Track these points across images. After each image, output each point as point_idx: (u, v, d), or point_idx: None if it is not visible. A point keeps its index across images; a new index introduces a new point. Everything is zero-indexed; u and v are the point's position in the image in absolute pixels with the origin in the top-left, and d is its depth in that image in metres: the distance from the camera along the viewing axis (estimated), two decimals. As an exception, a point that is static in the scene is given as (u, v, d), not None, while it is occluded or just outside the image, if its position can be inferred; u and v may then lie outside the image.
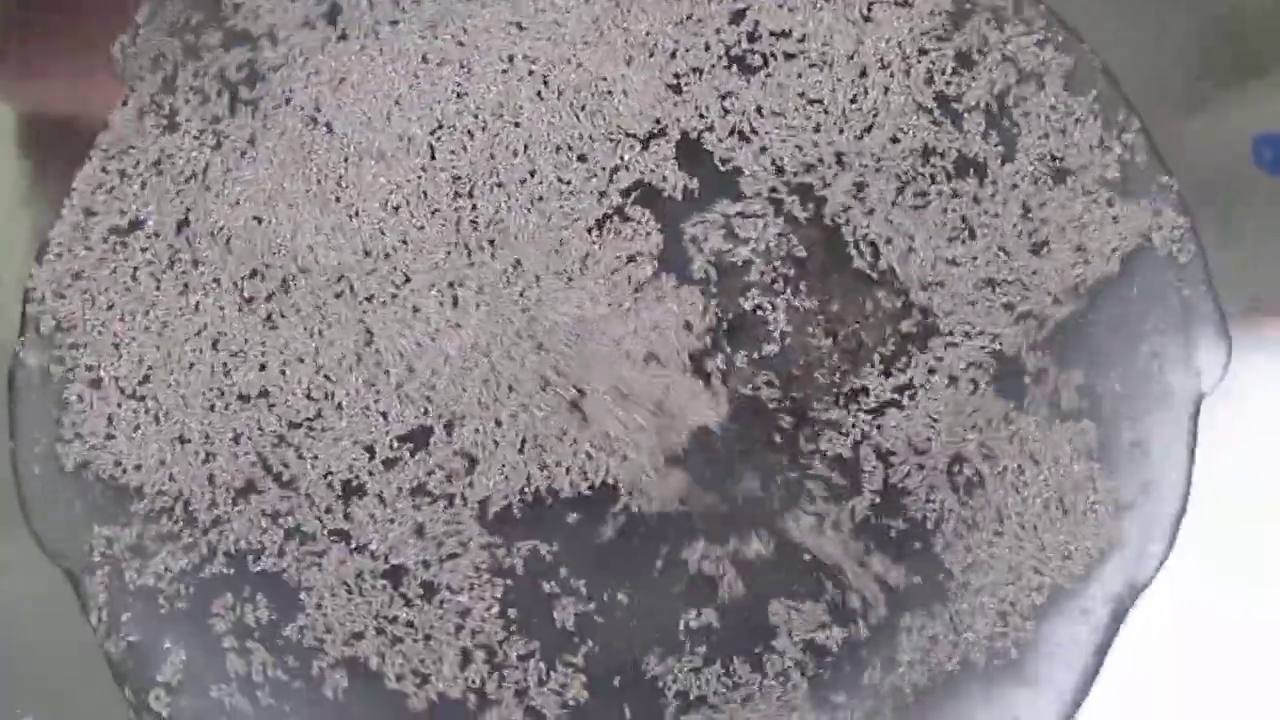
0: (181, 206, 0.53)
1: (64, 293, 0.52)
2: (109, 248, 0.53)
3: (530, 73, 0.54)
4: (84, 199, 0.53)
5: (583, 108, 0.54)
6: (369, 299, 0.52)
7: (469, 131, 0.53)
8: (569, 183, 0.53)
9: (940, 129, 0.52)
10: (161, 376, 0.51)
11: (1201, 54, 0.54)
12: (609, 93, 0.53)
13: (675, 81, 0.54)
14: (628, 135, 0.53)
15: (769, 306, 0.51)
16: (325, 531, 0.50)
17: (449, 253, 0.52)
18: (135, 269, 0.52)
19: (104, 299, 0.52)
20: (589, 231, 0.52)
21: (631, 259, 0.52)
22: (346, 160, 0.53)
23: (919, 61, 0.52)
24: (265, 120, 0.53)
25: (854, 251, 0.51)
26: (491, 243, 0.52)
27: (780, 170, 0.52)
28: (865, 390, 0.50)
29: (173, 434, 0.51)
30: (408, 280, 0.52)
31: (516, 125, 0.53)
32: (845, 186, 0.52)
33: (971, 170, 0.52)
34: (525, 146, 0.53)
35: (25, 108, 0.56)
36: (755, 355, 0.51)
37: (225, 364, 0.52)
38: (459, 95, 0.54)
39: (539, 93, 0.53)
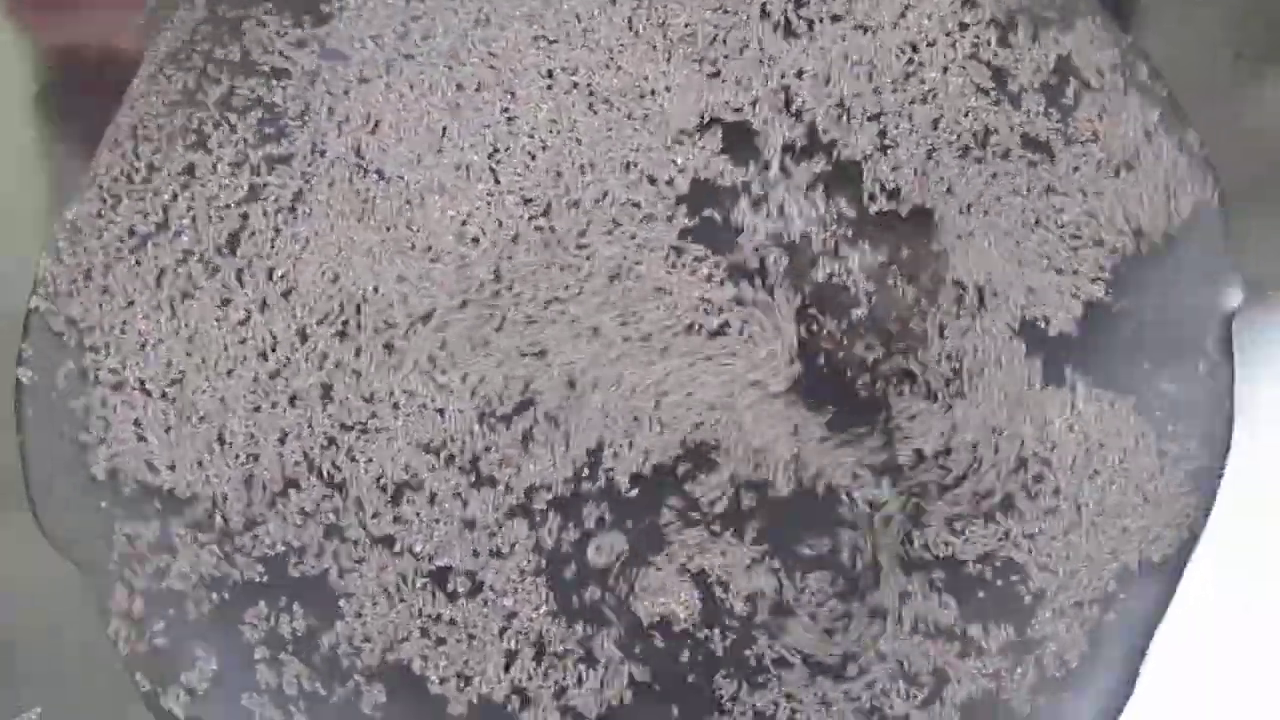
0: (222, 233, 0.51)
1: (78, 289, 0.50)
2: (133, 245, 0.51)
3: (575, 85, 0.53)
4: (108, 185, 0.51)
5: (629, 114, 0.53)
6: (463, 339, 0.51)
7: (529, 152, 0.52)
8: (638, 205, 0.53)
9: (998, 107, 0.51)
10: (195, 381, 0.50)
11: (1236, 36, 0.53)
12: (653, 92, 0.53)
13: (715, 70, 0.53)
14: (682, 133, 0.53)
15: (843, 271, 0.52)
16: (368, 536, 0.50)
17: (544, 271, 0.52)
18: (162, 271, 0.51)
19: (122, 297, 0.51)
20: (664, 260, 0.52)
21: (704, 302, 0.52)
22: (409, 202, 0.52)
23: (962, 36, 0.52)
24: (306, 176, 0.51)
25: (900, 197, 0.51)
26: (586, 256, 0.52)
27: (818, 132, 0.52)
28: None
29: (210, 435, 0.50)
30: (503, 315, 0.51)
31: (577, 141, 0.53)
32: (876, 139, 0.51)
33: (1033, 147, 0.52)
34: (591, 163, 0.52)
35: (54, 41, 0.53)
36: (846, 323, 0.51)
37: (272, 372, 0.51)
38: (509, 118, 0.53)
39: (590, 105, 0.53)
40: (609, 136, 0.53)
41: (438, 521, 0.49)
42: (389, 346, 0.50)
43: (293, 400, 0.50)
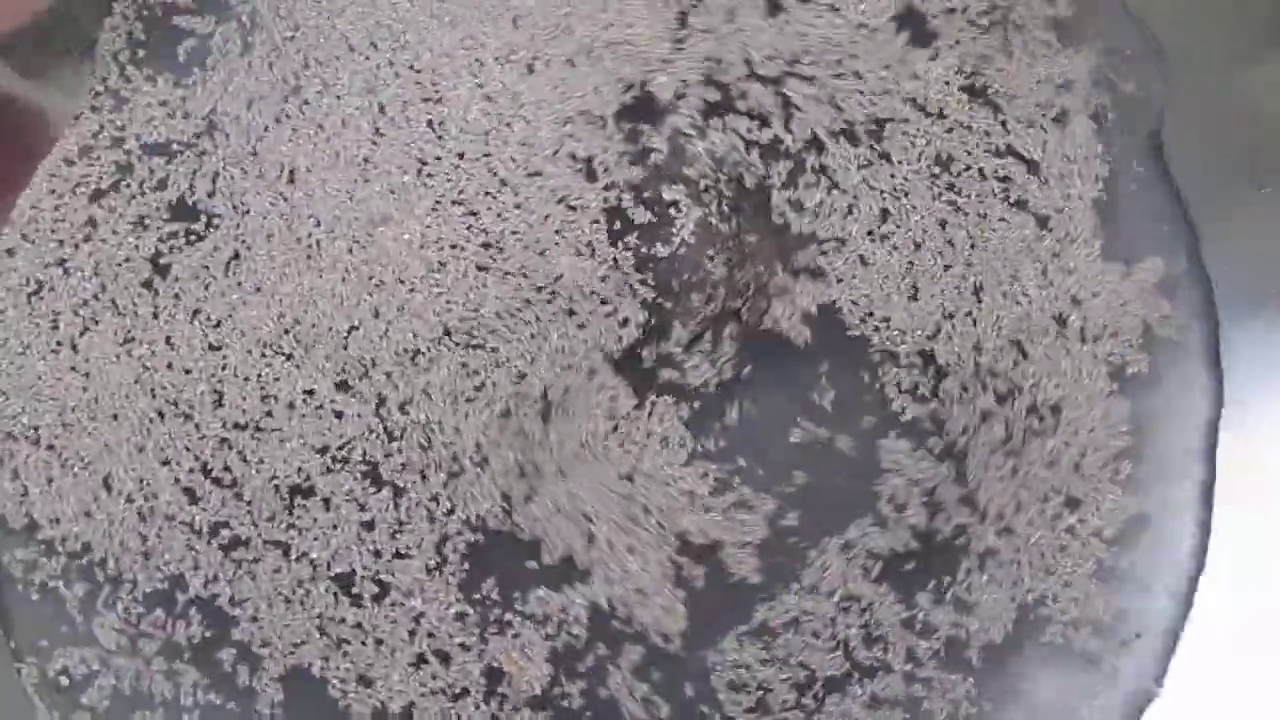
0: (131, 284, 0.51)
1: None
2: (31, 290, 0.52)
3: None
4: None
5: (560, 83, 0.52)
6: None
7: (458, 154, 0.52)
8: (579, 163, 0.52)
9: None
10: (84, 423, 0.51)
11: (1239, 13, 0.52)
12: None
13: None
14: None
15: (683, 210, 0.51)
16: (261, 540, 0.50)
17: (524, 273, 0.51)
18: (57, 314, 0.51)
19: (17, 342, 0.51)
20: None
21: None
22: (357, 241, 0.51)
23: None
24: (239, 237, 0.51)
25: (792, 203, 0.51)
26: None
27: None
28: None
29: (96, 483, 0.50)
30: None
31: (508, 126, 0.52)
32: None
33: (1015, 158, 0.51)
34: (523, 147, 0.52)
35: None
36: (644, 250, 0.51)
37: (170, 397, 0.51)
38: (434, 126, 0.52)
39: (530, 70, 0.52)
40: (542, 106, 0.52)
41: (335, 527, 0.50)
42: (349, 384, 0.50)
43: (187, 414, 0.50)
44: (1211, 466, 0.49)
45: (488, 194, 0.52)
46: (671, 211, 0.51)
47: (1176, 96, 0.51)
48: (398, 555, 0.50)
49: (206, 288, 0.51)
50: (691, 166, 0.51)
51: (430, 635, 0.49)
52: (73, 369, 0.51)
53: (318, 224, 0.51)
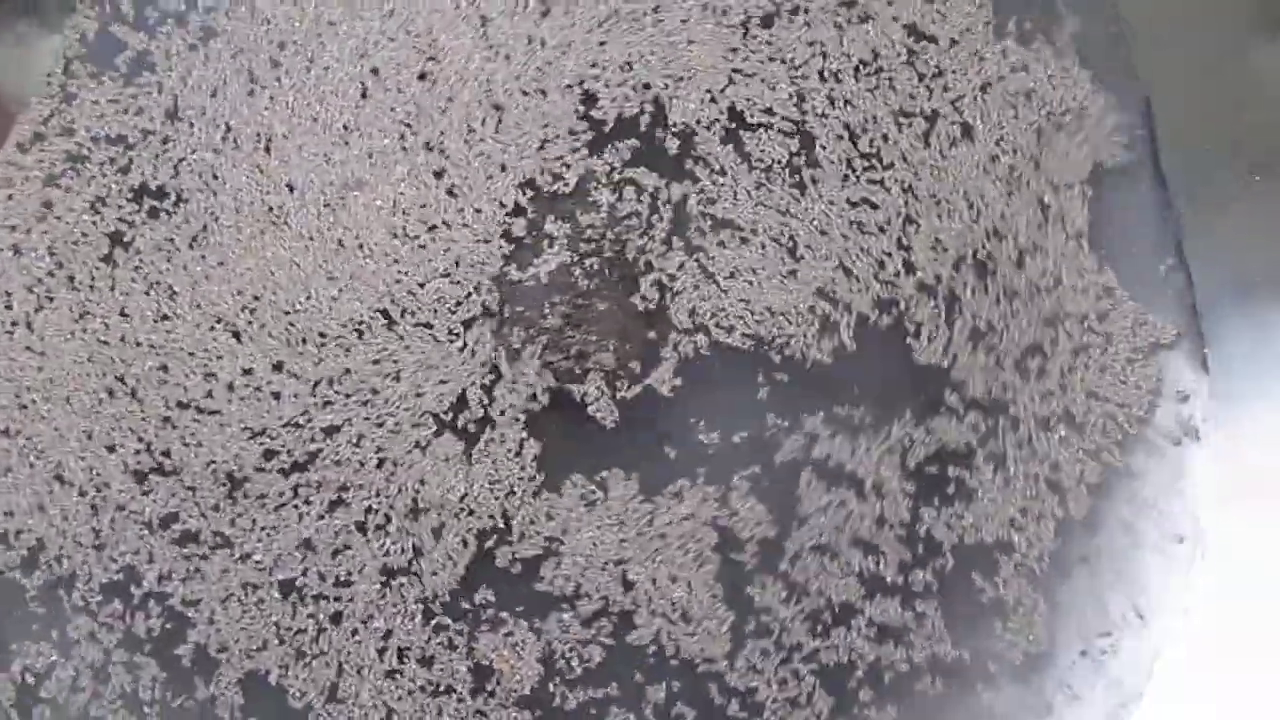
0: (89, 260, 0.50)
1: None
2: None
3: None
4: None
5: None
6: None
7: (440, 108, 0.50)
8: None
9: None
10: (39, 405, 0.49)
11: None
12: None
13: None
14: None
15: (554, 248, 0.49)
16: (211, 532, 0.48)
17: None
18: (9, 295, 0.50)
19: None
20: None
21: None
22: (328, 205, 0.49)
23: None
24: (209, 210, 0.49)
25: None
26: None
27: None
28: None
29: (49, 473, 0.49)
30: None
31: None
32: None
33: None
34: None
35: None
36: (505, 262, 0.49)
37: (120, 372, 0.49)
38: (425, 78, 0.50)
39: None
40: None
41: (274, 530, 0.48)
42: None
43: (133, 392, 0.49)
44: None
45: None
46: (544, 243, 0.49)
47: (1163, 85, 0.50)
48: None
49: (169, 260, 0.50)
50: (588, 213, 0.49)
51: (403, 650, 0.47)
52: (28, 349, 0.49)
53: (291, 190, 0.50)
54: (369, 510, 0.48)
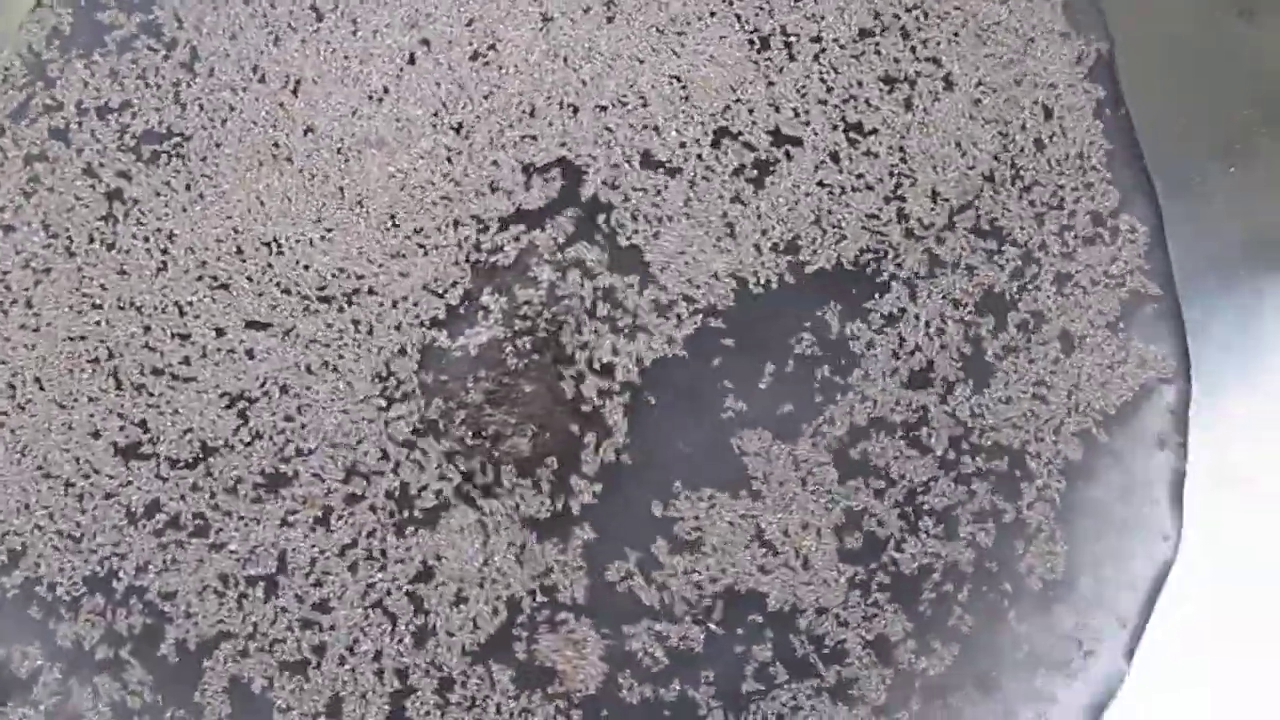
0: (86, 223, 0.47)
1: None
2: None
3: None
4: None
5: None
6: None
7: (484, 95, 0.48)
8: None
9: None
10: (30, 389, 0.46)
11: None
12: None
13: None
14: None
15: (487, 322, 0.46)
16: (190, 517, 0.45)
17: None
18: (5, 275, 0.47)
19: None
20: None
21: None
22: (341, 153, 0.47)
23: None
24: (212, 145, 0.47)
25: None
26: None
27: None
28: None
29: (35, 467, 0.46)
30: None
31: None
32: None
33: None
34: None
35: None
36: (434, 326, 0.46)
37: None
38: (477, 59, 0.48)
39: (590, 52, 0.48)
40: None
41: (250, 521, 0.45)
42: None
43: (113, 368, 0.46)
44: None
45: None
46: (478, 314, 0.47)
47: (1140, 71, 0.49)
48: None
49: (166, 205, 0.48)
50: (527, 288, 0.47)
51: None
52: (22, 327, 0.47)
53: (307, 132, 0.48)
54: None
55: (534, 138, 0.47)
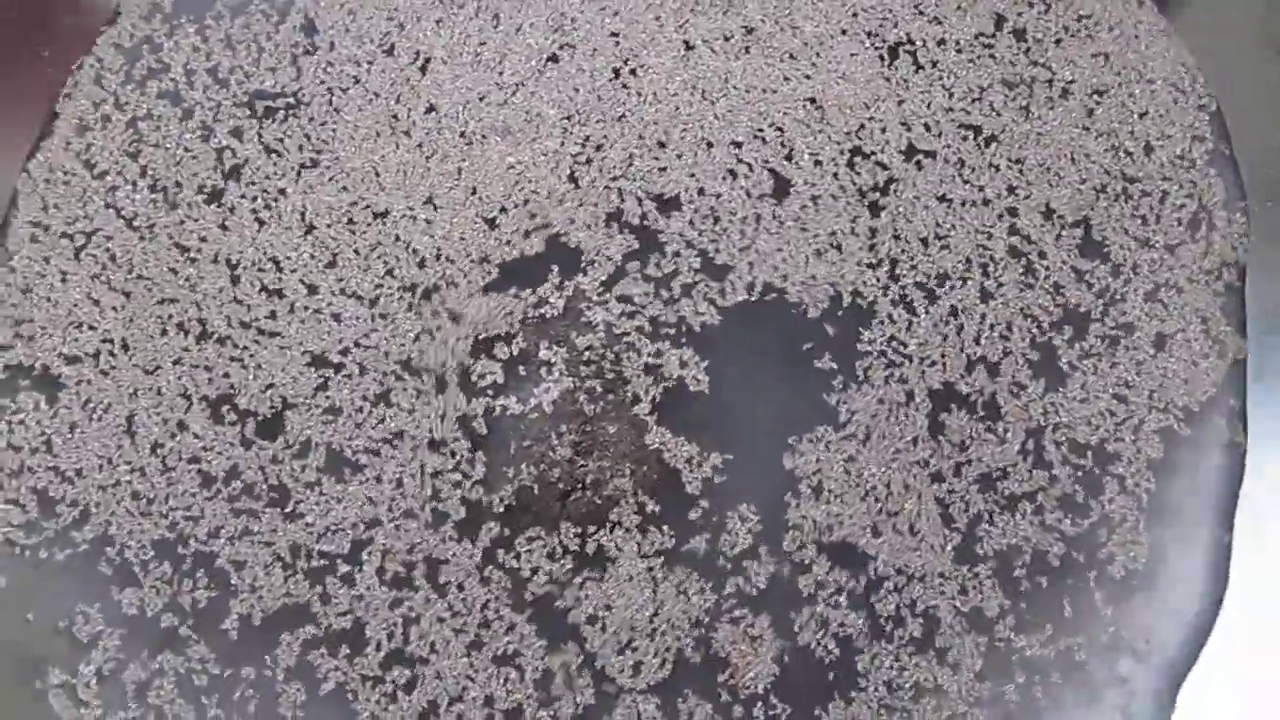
0: (196, 177, 0.47)
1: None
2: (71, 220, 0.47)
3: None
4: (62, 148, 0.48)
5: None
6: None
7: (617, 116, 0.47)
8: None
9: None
10: (116, 353, 0.46)
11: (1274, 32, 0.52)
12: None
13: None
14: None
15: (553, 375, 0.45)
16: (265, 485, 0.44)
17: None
18: (108, 237, 0.46)
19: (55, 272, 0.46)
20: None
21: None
22: (464, 135, 0.47)
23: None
24: (329, 110, 0.47)
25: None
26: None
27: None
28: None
29: (117, 425, 0.45)
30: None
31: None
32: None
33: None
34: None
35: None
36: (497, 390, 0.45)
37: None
38: (619, 77, 0.47)
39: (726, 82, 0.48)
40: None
41: (337, 500, 0.44)
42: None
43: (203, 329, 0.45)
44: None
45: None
46: (542, 372, 0.45)
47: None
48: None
49: (275, 164, 0.47)
50: (584, 334, 0.46)
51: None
52: (112, 289, 0.46)
53: (430, 111, 0.47)
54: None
55: (664, 169, 0.47)
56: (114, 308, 0.46)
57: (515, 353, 0.45)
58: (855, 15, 0.48)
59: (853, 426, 0.45)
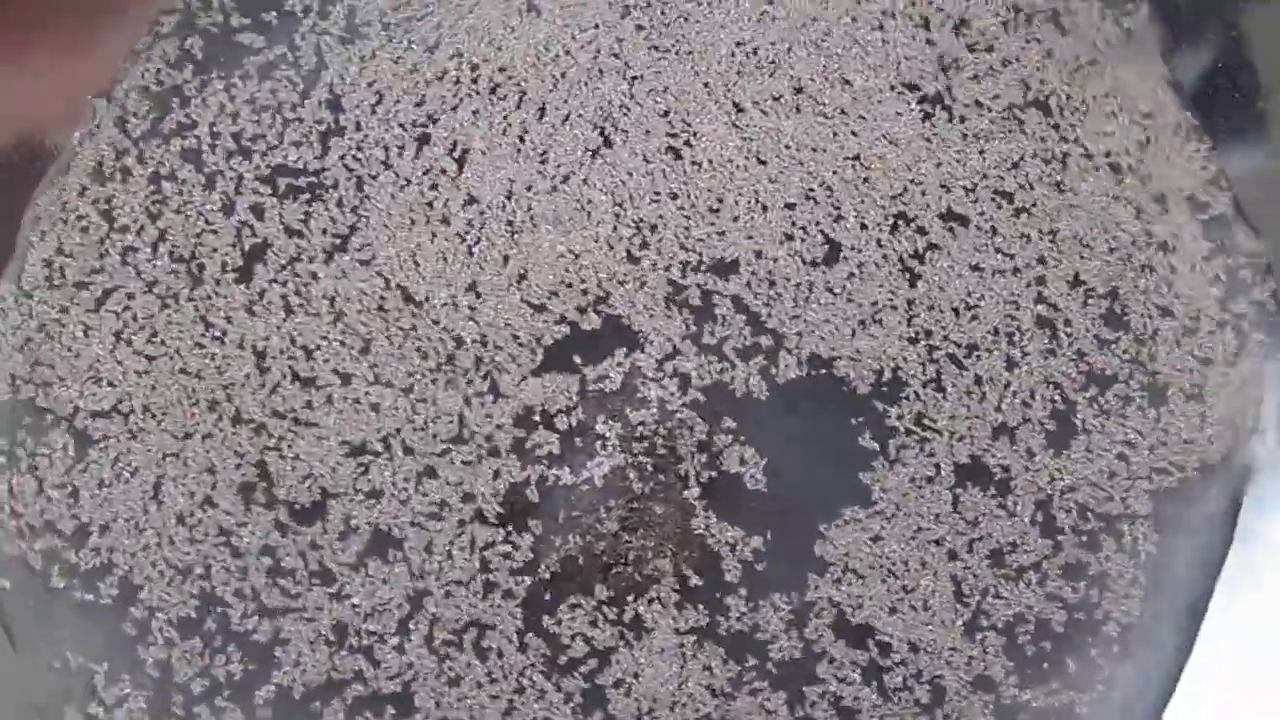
0: (218, 252, 0.46)
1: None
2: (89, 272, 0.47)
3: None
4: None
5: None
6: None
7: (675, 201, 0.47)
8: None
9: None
10: (139, 414, 0.46)
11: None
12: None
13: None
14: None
15: (607, 450, 0.46)
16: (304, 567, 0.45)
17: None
18: (130, 296, 0.46)
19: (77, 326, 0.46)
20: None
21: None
22: (511, 224, 0.46)
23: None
24: (368, 194, 0.46)
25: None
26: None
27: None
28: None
29: (144, 489, 0.45)
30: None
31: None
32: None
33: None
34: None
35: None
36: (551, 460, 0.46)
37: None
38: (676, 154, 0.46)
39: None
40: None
41: (384, 582, 0.45)
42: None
43: (234, 417, 0.45)
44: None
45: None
46: (597, 445, 0.46)
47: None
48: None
49: (299, 246, 0.47)
50: (638, 410, 0.46)
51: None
52: (135, 352, 0.46)
53: (469, 201, 0.47)
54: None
55: (721, 233, 0.47)
56: (137, 371, 0.46)
57: (574, 424, 0.46)
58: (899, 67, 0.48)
59: (882, 504, 0.46)
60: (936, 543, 0.45)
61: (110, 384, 0.46)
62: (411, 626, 0.45)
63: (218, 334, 0.46)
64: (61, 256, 0.46)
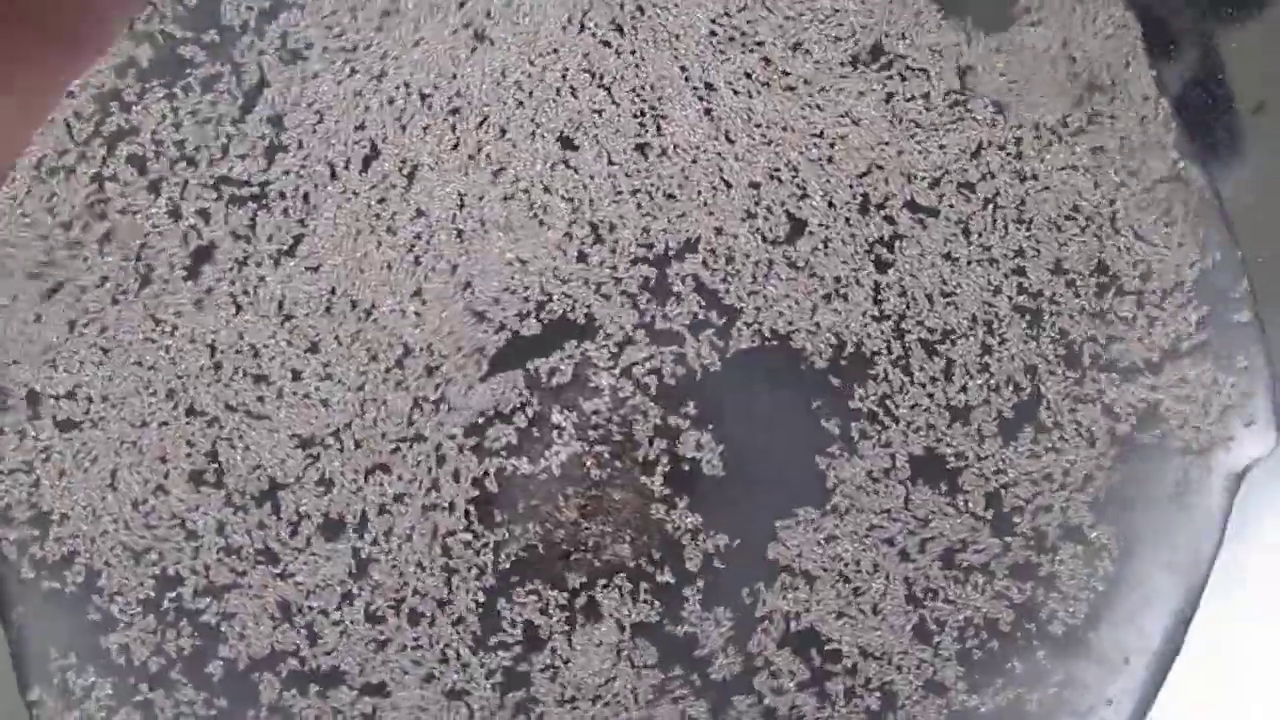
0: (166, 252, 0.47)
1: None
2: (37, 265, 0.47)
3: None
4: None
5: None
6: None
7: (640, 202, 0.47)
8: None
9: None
10: (96, 402, 0.46)
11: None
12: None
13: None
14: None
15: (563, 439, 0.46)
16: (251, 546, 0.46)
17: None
18: (83, 289, 0.46)
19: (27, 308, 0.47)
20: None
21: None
22: (460, 232, 0.46)
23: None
24: (313, 203, 0.46)
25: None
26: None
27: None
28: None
29: (103, 480, 0.46)
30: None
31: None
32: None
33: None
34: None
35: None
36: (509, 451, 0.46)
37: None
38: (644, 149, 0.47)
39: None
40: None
41: (326, 558, 0.46)
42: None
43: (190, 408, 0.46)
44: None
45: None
46: (553, 434, 0.46)
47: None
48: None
49: (244, 250, 0.47)
50: (591, 399, 0.47)
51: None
52: (93, 345, 0.47)
53: (419, 215, 0.47)
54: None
55: (681, 215, 0.47)
56: (94, 362, 0.47)
57: (531, 416, 0.46)
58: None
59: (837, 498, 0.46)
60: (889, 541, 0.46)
61: (66, 370, 0.47)
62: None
63: (167, 328, 0.46)
64: (7, 248, 0.47)
